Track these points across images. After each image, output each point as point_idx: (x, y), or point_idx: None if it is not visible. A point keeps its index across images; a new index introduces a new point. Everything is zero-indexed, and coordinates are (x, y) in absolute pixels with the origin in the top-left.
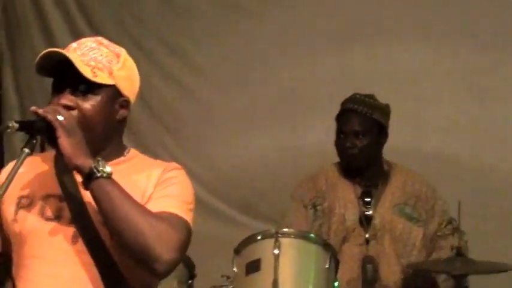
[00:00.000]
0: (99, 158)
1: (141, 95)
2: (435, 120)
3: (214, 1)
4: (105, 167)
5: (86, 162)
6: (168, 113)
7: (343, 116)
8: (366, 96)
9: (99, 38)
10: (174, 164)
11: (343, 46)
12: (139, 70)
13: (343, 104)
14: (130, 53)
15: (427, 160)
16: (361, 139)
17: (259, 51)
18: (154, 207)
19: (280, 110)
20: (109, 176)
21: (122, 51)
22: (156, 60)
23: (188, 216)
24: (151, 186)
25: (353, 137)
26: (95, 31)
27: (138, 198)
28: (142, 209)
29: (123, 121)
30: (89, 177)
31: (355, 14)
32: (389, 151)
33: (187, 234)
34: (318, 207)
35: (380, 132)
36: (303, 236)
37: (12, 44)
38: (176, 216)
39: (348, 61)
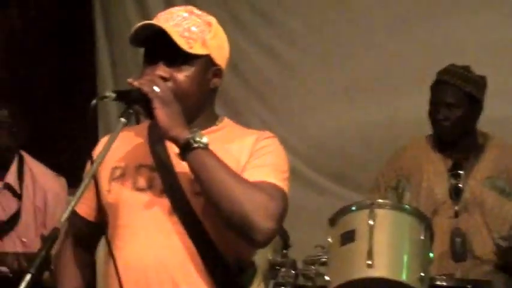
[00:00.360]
0: (195, 129)
1: (235, 65)
2: None
3: None
4: (201, 138)
5: (182, 133)
6: (262, 84)
7: (437, 87)
8: (461, 67)
9: (190, 7)
10: (267, 133)
11: (441, 16)
12: (234, 41)
13: (438, 74)
14: (225, 24)
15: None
16: (454, 111)
17: (355, 23)
18: (250, 176)
19: (376, 80)
20: (206, 147)
21: (213, 20)
22: (251, 31)
23: (285, 185)
24: (245, 155)
25: (445, 109)
26: (189, 1)
27: (232, 166)
28: (239, 178)
29: (216, 89)
30: (186, 148)
31: None
32: (487, 123)
33: (284, 203)
34: (401, 185)
35: (473, 105)
36: (398, 207)
37: (106, 15)
38: (273, 185)
39: (446, 31)
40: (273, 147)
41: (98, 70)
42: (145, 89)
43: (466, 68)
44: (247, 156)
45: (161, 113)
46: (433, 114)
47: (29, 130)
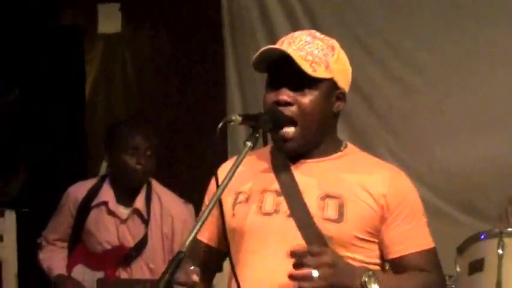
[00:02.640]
0: (368, 274)
1: (362, 92)
2: None
3: (442, 3)
4: (371, 285)
5: (353, 284)
6: (391, 113)
7: None
8: None
9: (313, 31)
10: (401, 174)
11: None
12: (362, 69)
13: None
14: (353, 53)
15: None
16: None
17: (483, 51)
18: (408, 245)
19: (504, 111)
20: None
21: (335, 43)
22: (379, 60)
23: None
24: (381, 196)
25: None
26: (317, 30)
27: (360, 195)
28: None
29: (338, 114)
30: None
31: None
32: None
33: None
34: None
35: None
36: None
37: (236, 42)
38: (433, 251)
39: None
40: (415, 199)
41: (228, 97)
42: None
43: None
44: (385, 203)
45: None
46: None
47: (160, 155)
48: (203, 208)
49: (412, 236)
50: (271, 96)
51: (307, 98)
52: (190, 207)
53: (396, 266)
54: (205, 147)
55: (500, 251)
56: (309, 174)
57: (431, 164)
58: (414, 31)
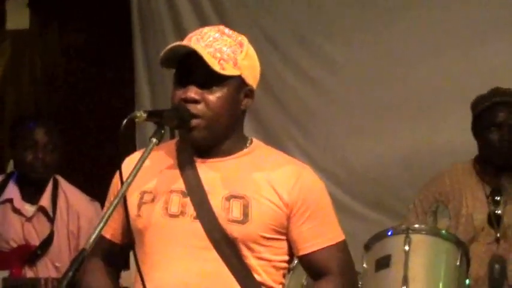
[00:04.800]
0: None
1: (271, 89)
2: None
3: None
4: None
5: None
6: (300, 110)
7: (497, 108)
8: (509, 89)
9: (221, 27)
10: (306, 170)
11: (479, 44)
12: (271, 66)
13: (487, 97)
14: (263, 49)
15: None
16: None
17: (393, 48)
18: (317, 242)
19: (415, 108)
20: None
21: (244, 39)
22: (290, 58)
23: (341, 231)
24: (286, 193)
25: (510, 130)
26: (226, 26)
27: (267, 193)
28: None
29: (245, 111)
30: None
31: (494, 12)
32: None
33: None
34: (440, 210)
35: None
36: (434, 232)
37: (145, 38)
38: (342, 244)
39: (483, 59)
40: (324, 195)
41: (137, 91)
42: None
43: None
44: (291, 201)
45: None
46: (492, 137)
47: (66, 152)
48: (106, 203)
49: (320, 232)
50: (179, 94)
51: (214, 96)
52: (97, 205)
53: (306, 262)
54: (113, 145)
55: (406, 248)
56: (214, 173)
57: (339, 161)
58: (326, 28)
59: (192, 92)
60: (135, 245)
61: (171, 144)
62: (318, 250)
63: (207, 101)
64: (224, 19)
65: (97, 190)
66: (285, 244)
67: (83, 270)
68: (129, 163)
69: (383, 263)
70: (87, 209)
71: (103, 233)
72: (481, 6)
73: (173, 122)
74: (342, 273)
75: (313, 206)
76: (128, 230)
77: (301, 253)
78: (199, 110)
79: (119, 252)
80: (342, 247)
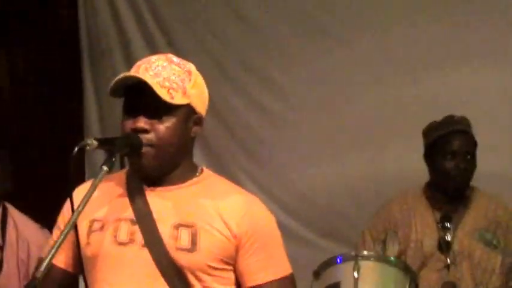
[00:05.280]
0: None
1: (220, 116)
2: None
3: (298, 26)
4: None
5: None
6: (249, 136)
7: (453, 136)
8: (463, 117)
9: (169, 56)
10: (254, 203)
11: (425, 71)
12: (222, 95)
13: (444, 125)
14: (211, 76)
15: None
16: (470, 161)
17: (339, 76)
18: (266, 272)
19: (363, 135)
20: None
21: (192, 67)
22: (238, 84)
23: (289, 265)
24: (235, 225)
25: (464, 159)
26: (176, 53)
27: (216, 223)
28: None
29: (195, 138)
30: None
31: (438, 40)
32: (476, 176)
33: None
34: (389, 237)
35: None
36: (383, 259)
37: (94, 64)
38: (290, 278)
39: (430, 86)
40: (272, 228)
41: (86, 120)
42: None
43: (466, 118)
44: (239, 232)
45: None
46: (447, 165)
47: (15, 179)
48: (56, 231)
49: (268, 265)
50: (129, 123)
51: (164, 125)
52: (47, 232)
53: None
54: (62, 172)
55: (355, 274)
56: (163, 201)
57: (288, 187)
58: (273, 55)
59: (142, 122)
60: (85, 272)
61: (121, 174)
62: (264, 283)
63: (156, 131)
64: (174, 47)
65: (46, 218)
66: (232, 275)
67: None
68: (79, 192)
69: None
70: (37, 237)
71: (55, 262)
72: (426, 35)
73: (124, 149)
74: None
75: (261, 238)
76: (79, 258)
77: (248, 285)
78: (149, 139)
79: (72, 282)
80: (289, 281)
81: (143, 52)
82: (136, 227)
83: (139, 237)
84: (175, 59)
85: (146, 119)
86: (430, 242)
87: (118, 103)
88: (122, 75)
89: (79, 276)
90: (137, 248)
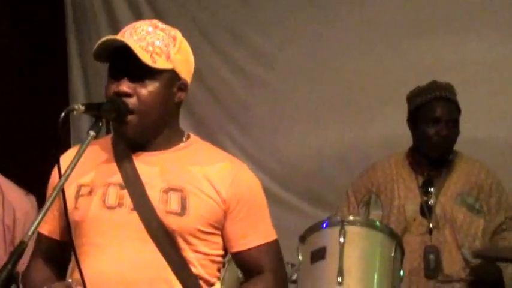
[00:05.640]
0: None
1: (206, 83)
2: (506, 111)
3: None
4: None
5: None
6: (234, 103)
7: (437, 103)
8: (448, 84)
9: (155, 21)
10: (242, 169)
11: (408, 38)
12: (206, 60)
13: (426, 91)
14: (196, 42)
15: (496, 151)
16: (454, 127)
17: (328, 44)
18: (252, 239)
19: (348, 101)
20: None
21: (178, 34)
22: (223, 51)
23: (273, 230)
24: (224, 190)
25: (447, 125)
26: (161, 20)
27: (207, 189)
28: None
29: (180, 104)
30: None
31: (425, 6)
32: (459, 141)
33: (279, 249)
34: (372, 202)
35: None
36: (368, 224)
37: (79, 31)
38: (275, 244)
39: (413, 53)
40: (259, 193)
41: (71, 85)
42: None
43: (450, 84)
44: (228, 197)
45: None
46: (429, 131)
47: (1, 147)
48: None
49: (253, 230)
50: (112, 87)
51: (147, 89)
52: (32, 198)
53: (239, 259)
54: (47, 138)
55: (341, 239)
56: (151, 166)
57: (274, 154)
58: (260, 23)
59: (125, 86)
60: (73, 237)
61: (106, 139)
62: (251, 248)
63: (139, 95)
64: (159, 13)
65: (33, 184)
66: (220, 239)
67: (26, 272)
68: (65, 158)
69: (318, 254)
70: (23, 202)
71: (41, 230)
72: (411, 2)
73: (111, 114)
74: (273, 272)
75: (249, 204)
76: (66, 223)
77: (234, 250)
78: (133, 104)
79: (59, 249)
80: (275, 246)
81: (126, 16)
82: (125, 191)
83: (128, 201)
84: (160, 24)
85: (129, 83)
86: (412, 207)
87: (102, 70)
88: (104, 38)
89: (67, 245)
90: (126, 212)
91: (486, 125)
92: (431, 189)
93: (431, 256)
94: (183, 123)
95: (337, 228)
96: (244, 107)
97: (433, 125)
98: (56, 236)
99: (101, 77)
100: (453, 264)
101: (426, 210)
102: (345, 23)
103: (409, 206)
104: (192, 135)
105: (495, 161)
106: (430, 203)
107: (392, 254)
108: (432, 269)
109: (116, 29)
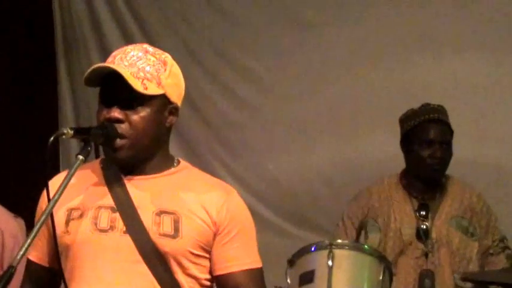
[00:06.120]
0: None
1: (195, 105)
2: (495, 133)
3: (271, 14)
4: None
5: None
6: (222, 124)
7: (428, 125)
8: (440, 106)
9: (145, 46)
10: (232, 195)
11: (398, 58)
12: (194, 81)
13: (419, 114)
14: (186, 64)
15: (486, 172)
16: (446, 149)
17: (318, 67)
18: (236, 264)
19: (337, 122)
20: None
21: (168, 57)
22: (213, 72)
23: (259, 259)
24: (214, 211)
25: (440, 148)
26: (150, 42)
27: (198, 211)
28: None
29: (171, 128)
30: None
31: (414, 28)
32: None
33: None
34: (369, 225)
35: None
36: (357, 247)
37: (68, 53)
38: (259, 272)
39: (402, 74)
40: (247, 219)
41: (60, 109)
42: None
43: (443, 106)
44: (218, 219)
45: None
46: (423, 153)
47: None
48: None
49: (239, 255)
50: (104, 113)
51: (138, 115)
52: (21, 222)
53: (222, 282)
54: (36, 161)
55: (330, 263)
56: (142, 190)
57: (263, 176)
58: (247, 43)
59: (116, 112)
60: (64, 262)
61: (95, 163)
62: (236, 272)
63: (130, 121)
64: (148, 35)
65: (21, 207)
66: (208, 263)
67: None
68: (55, 183)
69: (307, 278)
70: (12, 225)
71: (30, 257)
72: (401, 23)
73: (100, 139)
74: None
75: (238, 227)
76: (55, 249)
77: (219, 272)
78: (124, 130)
79: (48, 276)
80: (259, 274)
81: (115, 38)
82: (117, 214)
83: (120, 224)
84: (150, 48)
85: (120, 110)
86: (408, 231)
87: (92, 93)
88: (96, 66)
89: (56, 271)
90: (118, 235)
91: (474, 146)
92: (426, 213)
93: (427, 280)
94: (172, 144)
95: (326, 252)
96: (233, 128)
97: (427, 147)
98: (45, 262)
99: (90, 100)
100: None
101: (422, 234)
102: (334, 46)
103: (405, 229)
104: (181, 160)
105: (482, 181)
106: (425, 227)
107: (381, 278)
108: None
109: (106, 50)
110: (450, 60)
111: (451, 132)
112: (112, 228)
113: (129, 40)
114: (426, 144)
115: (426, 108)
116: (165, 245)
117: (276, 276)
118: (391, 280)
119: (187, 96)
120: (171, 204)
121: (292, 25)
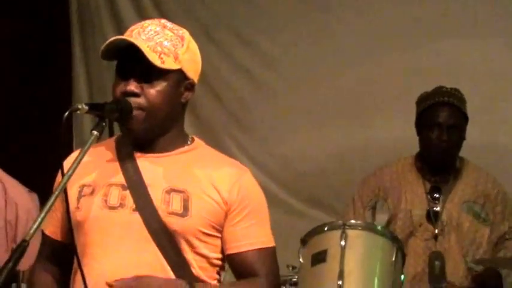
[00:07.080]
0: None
1: (211, 86)
2: (509, 117)
3: None
4: None
5: None
6: (238, 105)
7: (437, 108)
8: (454, 89)
9: (163, 21)
10: (245, 174)
11: (413, 43)
12: (211, 62)
13: (434, 96)
14: (202, 45)
15: (500, 157)
16: (455, 133)
17: (332, 49)
18: (247, 241)
19: (351, 105)
20: None
21: (185, 33)
22: (227, 52)
23: (271, 237)
24: (226, 194)
25: (447, 131)
26: (165, 19)
27: (209, 191)
28: None
29: (186, 104)
30: None
31: (425, 11)
32: (463, 147)
33: (275, 257)
34: (379, 206)
35: (465, 126)
36: (370, 228)
37: (83, 31)
38: (271, 250)
39: (417, 58)
40: (259, 197)
41: (74, 84)
42: None
43: (458, 90)
44: (230, 199)
45: None
46: (431, 136)
47: (5, 145)
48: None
49: (254, 233)
50: (120, 87)
51: (155, 89)
52: (35, 196)
53: (235, 261)
54: (51, 137)
55: (342, 243)
56: (154, 167)
57: (276, 156)
58: (264, 24)
59: (132, 86)
60: (76, 237)
61: (110, 141)
62: (249, 251)
63: (147, 95)
64: (163, 13)
65: (35, 181)
66: (219, 242)
67: (30, 277)
68: (69, 160)
69: (319, 257)
70: (26, 200)
71: (45, 230)
72: (421, 8)
73: (114, 114)
74: (267, 278)
75: (250, 206)
76: (68, 224)
77: (231, 251)
78: (139, 103)
79: (62, 250)
80: (271, 253)
81: (132, 19)
82: (127, 192)
83: (130, 201)
84: (168, 24)
85: (137, 83)
86: (418, 212)
87: (106, 68)
88: (113, 38)
89: (69, 245)
90: (128, 212)
91: (488, 130)
92: (438, 196)
93: (437, 262)
94: (186, 123)
95: (339, 232)
96: (248, 108)
97: (435, 130)
98: (59, 237)
99: (104, 78)
100: (456, 272)
101: (432, 216)
102: (349, 28)
103: (415, 211)
104: (196, 138)
105: (496, 166)
106: (436, 209)
107: (393, 259)
108: (436, 275)
109: (120, 28)
110: (464, 44)
111: (464, 116)
112: (122, 205)
113: (144, 18)
114: (435, 127)
115: (438, 91)
116: (173, 223)
117: (289, 255)
118: (403, 261)
119: (202, 76)
120: (182, 182)
121: (310, 9)
